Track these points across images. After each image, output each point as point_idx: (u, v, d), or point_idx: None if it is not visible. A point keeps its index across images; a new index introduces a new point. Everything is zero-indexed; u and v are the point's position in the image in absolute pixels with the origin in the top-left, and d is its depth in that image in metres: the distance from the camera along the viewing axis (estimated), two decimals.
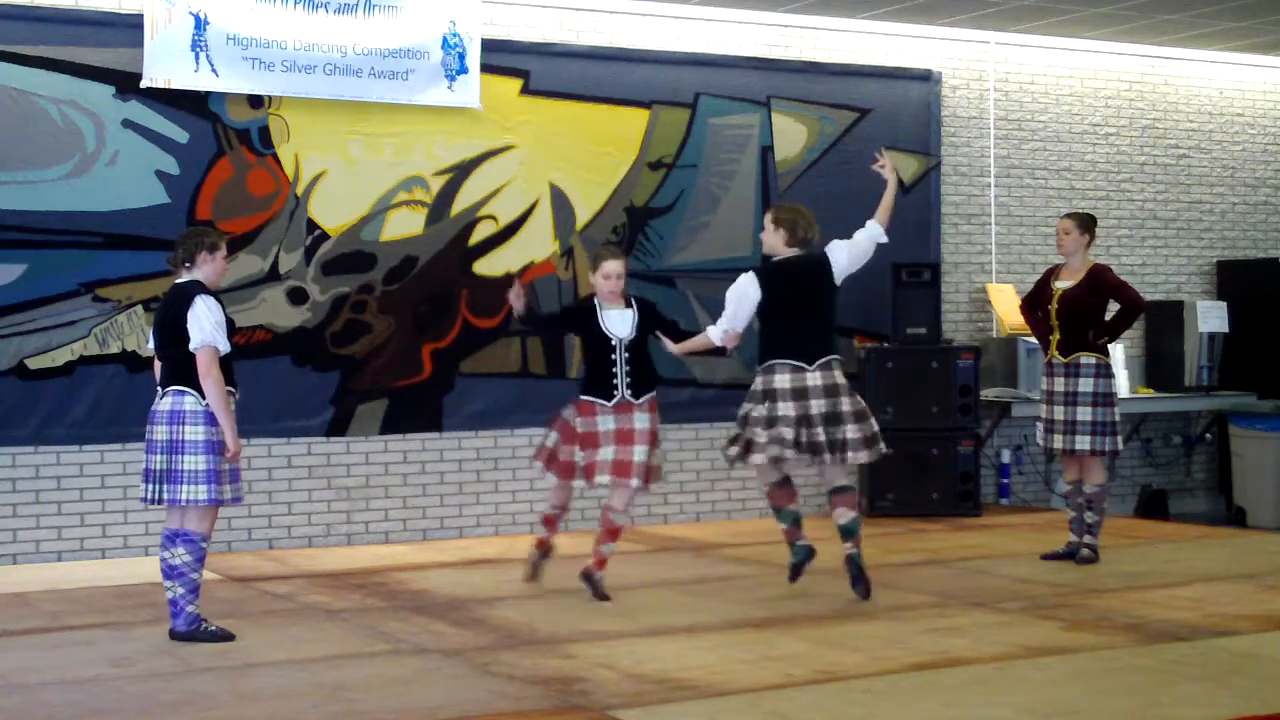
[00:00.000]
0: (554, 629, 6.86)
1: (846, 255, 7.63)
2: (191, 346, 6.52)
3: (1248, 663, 6.04)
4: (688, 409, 10.78)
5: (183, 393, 6.57)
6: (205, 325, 6.52)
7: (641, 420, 7.56)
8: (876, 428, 7.52)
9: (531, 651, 6.38)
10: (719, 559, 9.13)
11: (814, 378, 7.40)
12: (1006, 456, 11.80)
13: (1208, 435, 12.80)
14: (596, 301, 7.68)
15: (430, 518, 10.02)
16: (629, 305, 7.65)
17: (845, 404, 7.41)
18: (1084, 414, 8.44)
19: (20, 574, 8.61)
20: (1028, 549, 9.09)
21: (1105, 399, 8.47)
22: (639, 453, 7.49)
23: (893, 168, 7.99)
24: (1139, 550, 9.21)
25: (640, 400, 7.59)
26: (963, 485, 10.80)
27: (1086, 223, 8.62)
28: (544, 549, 7.96)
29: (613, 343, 7.58)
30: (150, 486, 6.61)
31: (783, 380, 7.40)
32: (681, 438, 10.81)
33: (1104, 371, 8.50)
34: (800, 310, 7.54)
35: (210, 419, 6.55)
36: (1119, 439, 8.56)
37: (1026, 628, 6.77)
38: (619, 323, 7.60)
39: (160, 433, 6.58)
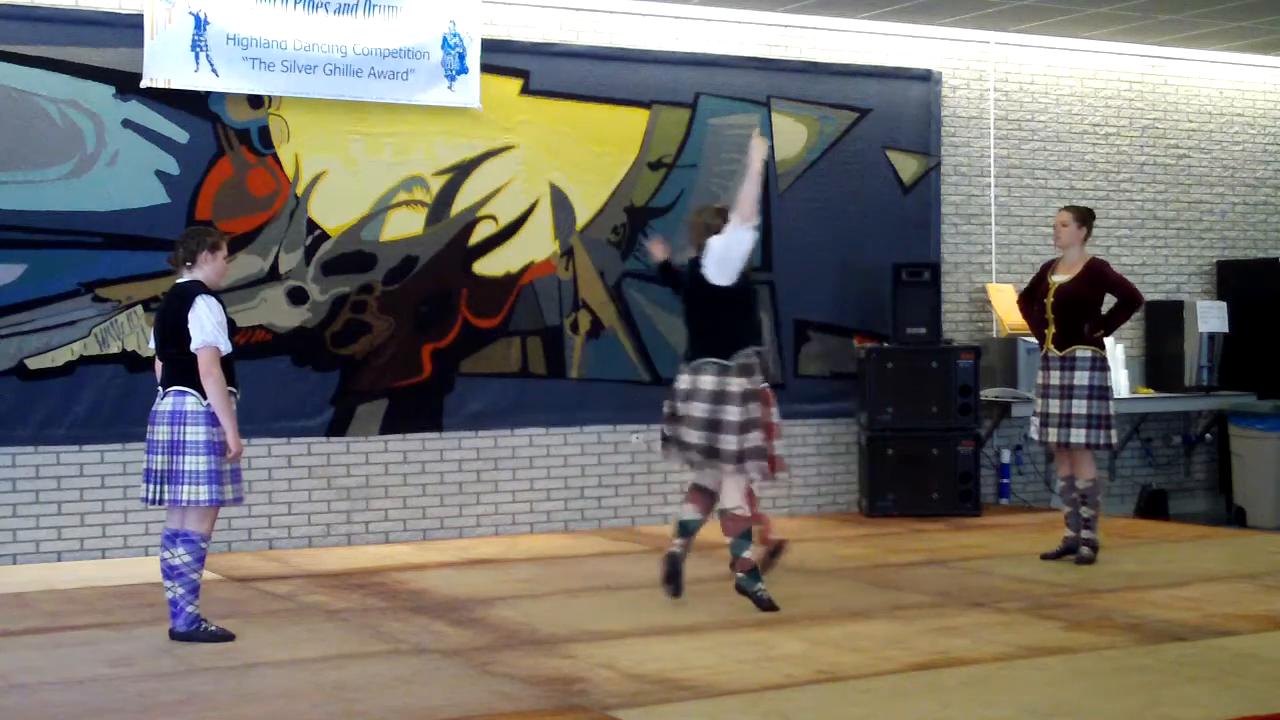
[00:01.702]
0: (554, 629, 6.86)
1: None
2: (193, 346, 6.52)
3: (1248, 663, 6.04)
4: None
5: (184, 393, 6.57)
6: (206, 325, 6.51)
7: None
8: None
9: (531, 651, 6.38)
10: (719, 559, 9.11)
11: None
12: (1006, 456, 11.80)
13: (1208, 435, 12.80)
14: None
15: (430, 518, 10.02)
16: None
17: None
18: (1079, 407, 8.41)
19: (20, 574, 8.61)
20: (1028, 549, 9.09)
21: (1101, 392, 8.44)
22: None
23: (761, 150, 7.33)
24: (1139, 550, 9.21)
25: None
26: (963, 485, 10.79)
27: (1084, 216, 8.59)
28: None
29: None
30: (151, 487, 6.61)
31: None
32: None
33: (1100, 365, 8.48)
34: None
35: (211, 419, 6.54)
36: (1114, 433, 8.53)
37: (1026, 628, 6.77)
38: None
39: (161, 433, 6.58)
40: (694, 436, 7.17)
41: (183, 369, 6.57)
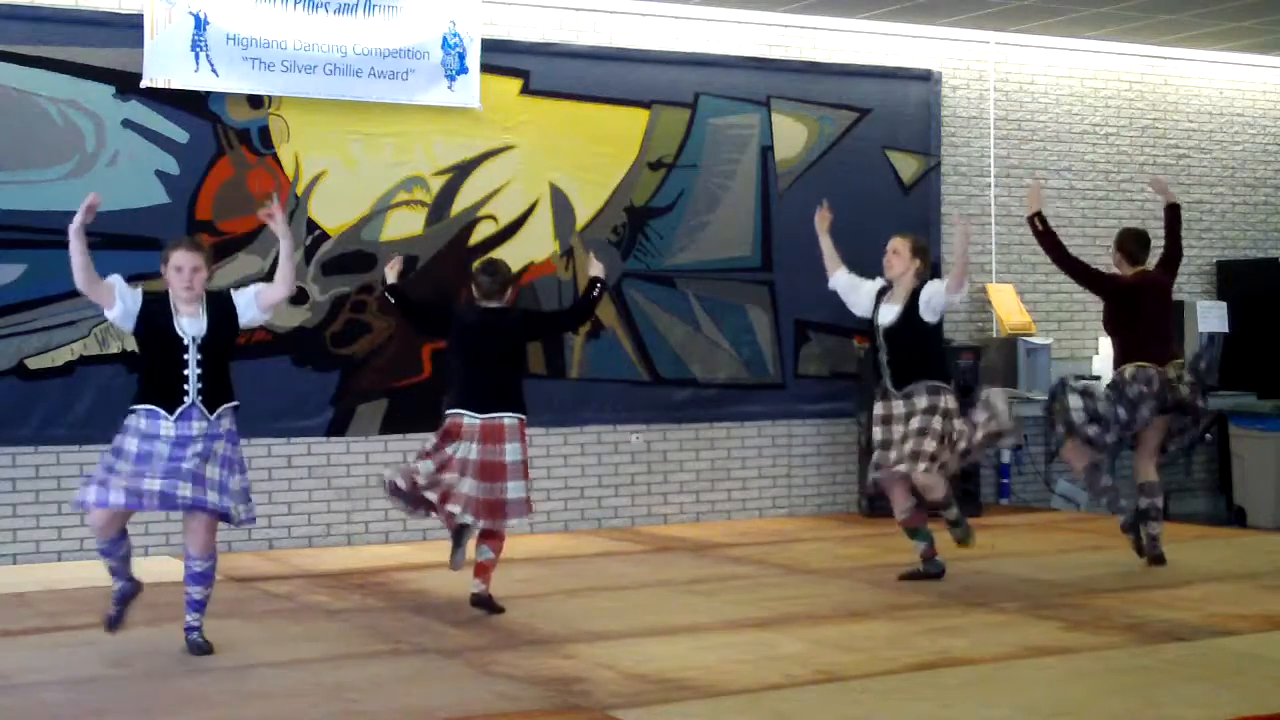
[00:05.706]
0: (554, 629, 6.86)
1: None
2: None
3: (1248, 663, 6.04)
4: (687, 408, 10.79)
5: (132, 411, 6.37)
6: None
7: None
8: None
9: (531, 651, 6.38)
10: (719, 559, 9.13)
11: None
12: (1006, 456, 11.79)
13: (1208, 435, 12.79)
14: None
15: (430, 518, 9.99)
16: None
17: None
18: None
19: (20, 574, 8.61)
20: (1028, 549, 9.10)
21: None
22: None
23: (964, 234, 8.15)
24: None
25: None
26: (963, 485, 10.77)
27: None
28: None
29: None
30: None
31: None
32: (682, 437, 10.81)
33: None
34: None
35: (126, 430, 6.30)
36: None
37: (1026, 628, 6.77)
38: None
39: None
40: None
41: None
